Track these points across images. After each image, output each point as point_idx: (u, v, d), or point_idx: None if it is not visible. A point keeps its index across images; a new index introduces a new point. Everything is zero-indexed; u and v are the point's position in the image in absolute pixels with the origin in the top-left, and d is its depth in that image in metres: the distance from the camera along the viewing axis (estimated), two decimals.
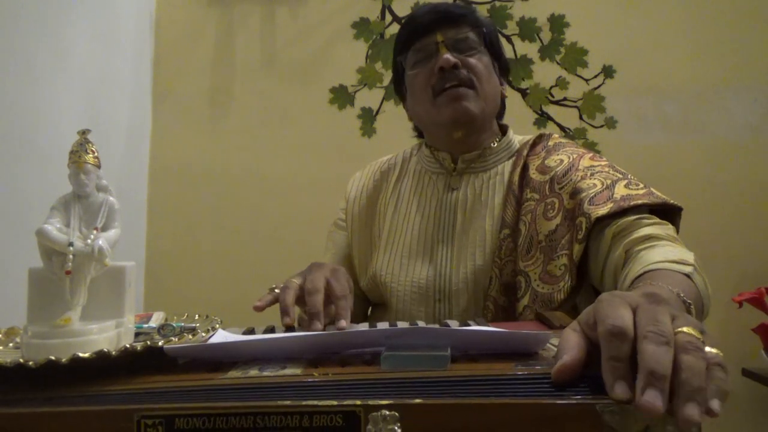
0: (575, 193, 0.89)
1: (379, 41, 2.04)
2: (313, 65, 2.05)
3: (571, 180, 0.92)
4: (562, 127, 2.01)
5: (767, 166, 1.94)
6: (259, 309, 0.76)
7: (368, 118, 2.04)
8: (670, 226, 0.84)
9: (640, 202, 0.84)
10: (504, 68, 1.07)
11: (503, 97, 1.07)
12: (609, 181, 0.89)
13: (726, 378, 0.40)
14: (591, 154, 0.97)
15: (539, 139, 1.04)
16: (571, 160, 0.96)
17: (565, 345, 0.44)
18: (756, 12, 1.97)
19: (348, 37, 2.04)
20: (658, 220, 0.84)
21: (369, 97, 2.04)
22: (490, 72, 1.01)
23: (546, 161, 0.98)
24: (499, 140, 1.05)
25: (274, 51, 2.06)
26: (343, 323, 0.69)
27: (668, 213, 0.87)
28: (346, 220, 1.12)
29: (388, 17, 2.05)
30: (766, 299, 1.68)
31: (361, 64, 2.04)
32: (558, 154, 0.98)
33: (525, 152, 1.01)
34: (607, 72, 1.99)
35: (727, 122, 1.97)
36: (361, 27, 2.05)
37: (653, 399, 0.37)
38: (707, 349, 0.41)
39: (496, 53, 1.04)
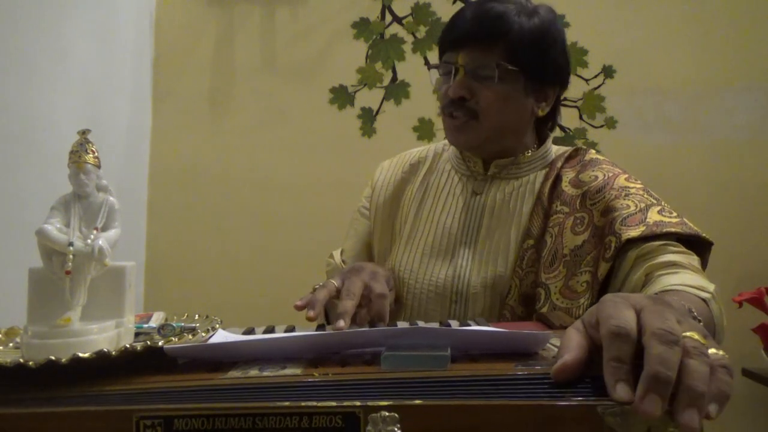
0: (607, 211, 0.88)
1: (379, 41, 2.04)
2: (313, 65, 2.05)
3: (604, 198, 0.90)
4: (562, 127, 2.00)
5: (767, 166, 1.94)
6: (299, 308, 0.76)
7: (368, 118, 2.04)
8: (696, 257, 0.83)
9: (672, 230, 0.83)
10: (549, 78, 0.98)
11: (538, 116, 1.00)
12: (643, 205, 0.88)
13: (730, 382, 0.40)
14: (626, 175, 0.96)
15: (575, 153, 1.03)
16: (606, 177, 0.94)
17: (567, 344, 0.44)
18: (757, 12, 1.97)
19: (348, 37, 2.04)
20: (684, 249, 0.83)
21: (369, 97, 2.04)
22: (508, 101, 0.94)
23: (580, 176, 0.96)
24: (536, 149, 1.02)
25: (274, 51, 2.06)
26: (341, 323, 0.70)
27: (696, 245, 0.86)
28: (370, 209, 1.11)
29: (388, 17, 2.05)
30: (766, 299, 1.68)
31: (361, 64, 2.04)
32: (593, 170, 0.96)
33: (559, 164, 0.99)
34: (607, 72, 1.99)
35: (727, 122, 1.97)
36: (361, 27, 2.05)
37: (652, 404, 0.37)
38: (713, 351, 0.41)
39: (535, 70, 0.94)
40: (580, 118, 2.00)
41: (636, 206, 0.88)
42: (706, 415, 0.38)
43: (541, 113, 0.99)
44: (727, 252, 1.85)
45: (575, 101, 2.00)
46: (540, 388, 0.42)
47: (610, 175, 0.95)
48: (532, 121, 1.01)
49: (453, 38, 0.96)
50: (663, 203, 0.90)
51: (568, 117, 2.01)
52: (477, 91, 0.93)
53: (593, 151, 1.04)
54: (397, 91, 2.03)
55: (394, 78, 2.04)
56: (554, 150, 1.05)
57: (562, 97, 1.05)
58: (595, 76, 2.00)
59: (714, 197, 1.92)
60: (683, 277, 0.75)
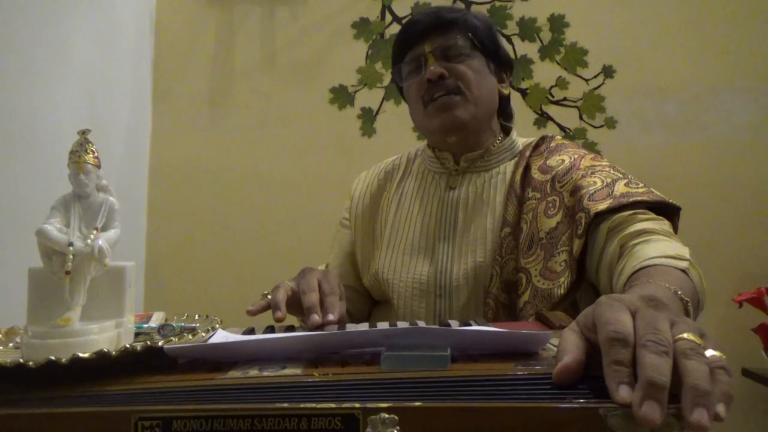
0: (575, 190, 0.91)
1: (379, 41, 2.04)
2: (313, 65, 2.05)
3: (572, 179, 0.93)
4: (561, 127, 2.00)
5: (767, 166, 1.94)
6: (251, 313, 0.77)
7: (368, 118, 2.04)
8: (666, 221, 0.85)
9: (639, 199, 0.85)
10: (503, 64, 1.06)
11: (503, 96, 1.06)
12: (609, 180, 0.90)
13: (730, 381, 0.40)
14: (592, 155, 0.99)
15: (542, 141, 1.06)
16: (572, 160, 0.97)
17: (565, 346, 0.44)
18: (756, 12, 1.97)
19: (348, 37, 2.04)
20: (653, 215, 0.84)
21: (369, 97, 2.04)
22: (481, 75, 1.01)
23: (548, 161, 0.99)
24: (502, 140, 1.06)
25: (274, 51, 2.06)
26: (330, 316, 0.71)
27: (666, 213, 0.88)
28: (350, 218, 1.13)
29: (388, 17, 2.05)
30: (766, 299, 1.68)
31: (361, 64, 2.04)
32: (560, 155, 1.00)
33: (528, 153, 1.03)
34: (607, 72, 1.99)
35: (727, 122, 1.97)
36: (361, 27, 2.05)
37: (651, 411, 0.37)
38: (710, 352, 0.41)
39: (491, 52, 1.03)
40: (580, 118, 2.00)
41: (603, 182, 0.90)
42: (715, 417, 0.37)
43: (506, 92, 1.06)
44: (727, 252, 1.86)
45: (575, 101, 2.00)
46: (540, 388, 0.42)
47: (576, 157, 0.98)
48: (497, 101, 1.06)
49: (413, 34, 1.01)
50: (630, 177, 0.92)
51: (568, 117, 2.01)
52: (452, 69, 0.99)
53: (558, 138, 1.08)
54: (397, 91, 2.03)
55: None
56: (521, 141, 1.08)
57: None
58: (595, 76, 2.00)
59: (714, 197, 1.92)
60: (658, 247, 0.75)
